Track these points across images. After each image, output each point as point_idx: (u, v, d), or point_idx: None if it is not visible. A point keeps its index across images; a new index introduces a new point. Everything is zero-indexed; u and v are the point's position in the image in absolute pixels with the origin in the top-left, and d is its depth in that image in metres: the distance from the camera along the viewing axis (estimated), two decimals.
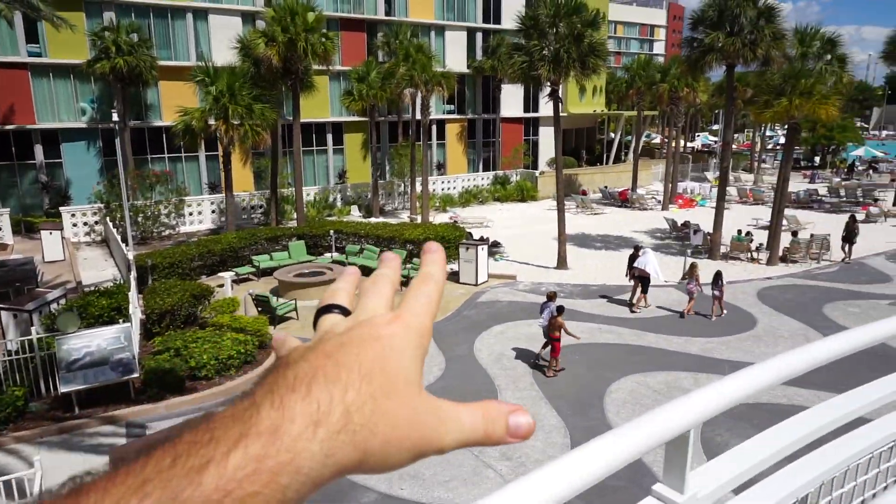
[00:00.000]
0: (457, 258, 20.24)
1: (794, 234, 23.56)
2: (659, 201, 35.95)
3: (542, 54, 19.05)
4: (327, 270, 19.81)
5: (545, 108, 48.51)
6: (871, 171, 49.14)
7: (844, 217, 31.92)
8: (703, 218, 30.47)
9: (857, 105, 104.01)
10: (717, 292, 16.34)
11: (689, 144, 62.62)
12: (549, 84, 19.89)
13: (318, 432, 0.41)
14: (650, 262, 17.35)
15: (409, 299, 0.52)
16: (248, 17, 33.61)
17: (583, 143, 55.98)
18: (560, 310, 13.31)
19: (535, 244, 26.07)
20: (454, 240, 21.85)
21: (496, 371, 13.35)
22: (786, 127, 22.43)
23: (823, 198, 36.08)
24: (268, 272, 21.06)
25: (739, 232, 23.85)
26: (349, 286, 0.59)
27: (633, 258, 17.97)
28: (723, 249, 23.78)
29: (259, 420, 0.41)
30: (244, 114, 21.71)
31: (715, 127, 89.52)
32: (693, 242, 24.63)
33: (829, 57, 21.72)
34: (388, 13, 39.47)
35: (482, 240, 24.55)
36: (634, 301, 17.47)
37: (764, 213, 30.62)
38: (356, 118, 35.86)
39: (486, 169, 44.33)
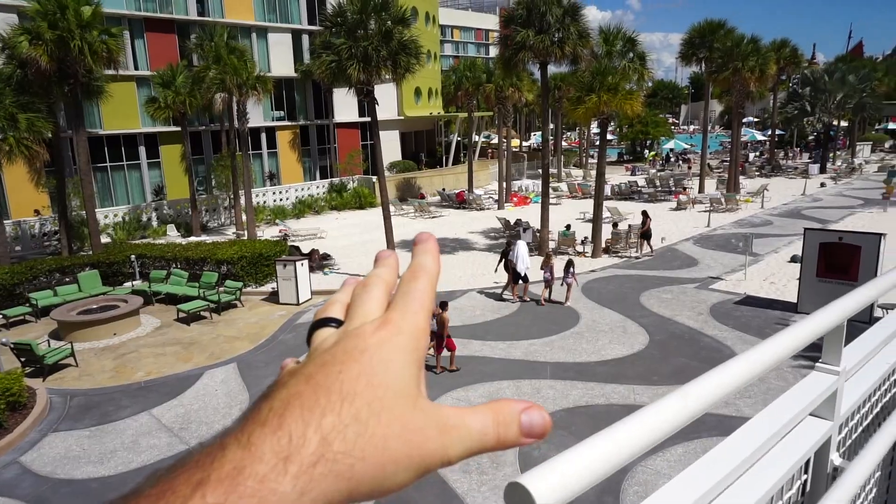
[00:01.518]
0: (275, 277, 18.47)
1: (615, 225, 24.49)
2: (496, 201, 36.44)
3: (351, 53, 17.87)
4: (121, 303, 17.13)
5: (382, 112, 47.57)
6: (680, 162, 53.98)
7: (662, 206, 34.48)
8: (537, 215, 31.14)
9: (669, 103, 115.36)
10: (569, 280, 17.19)
11: (524, 143, 65.06)
12: (361, 84, 18.76)
13: (289, 469, 0.37)
14: (519, 254, 17.65)
15: (398, 299, 0.48)
16: (26, 14, 29.07)
17: (423, 146, 55.93)
18: (443, 305, 13.00)
19: (371, 253, 24.86)
20: (273, 256, 20.04)
21: None
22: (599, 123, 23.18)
23: (642, 189, 38.66)
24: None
25: (568, 227, 24.37)
26: (346, 296, 0.52)
27: (505, 253, 18.33)
28: (552, 245, 24.18)
29: (222, 463, 0.37)
30: (5, 125, 18.26)
31: (549, 126, 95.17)
32: (524, 240, 24.82)
33: (631, 55, 22.76)
34: (200, 13, 36.37)
35: (311, 253, 22.95)
36: (513, 293, 17.90)
37: (592, 207, 31.95)
38: (175, 128, 32.45)
39: (323, 177, 42.52)
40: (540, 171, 52.16)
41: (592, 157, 61.85)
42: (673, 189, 37.82)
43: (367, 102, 19.70)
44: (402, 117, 48.71)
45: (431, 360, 13.05)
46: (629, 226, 24.32)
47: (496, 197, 36.80)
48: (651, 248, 22.99)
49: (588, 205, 34.35)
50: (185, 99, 26.80)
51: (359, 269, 22.60)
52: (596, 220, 23.16)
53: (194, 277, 19.61)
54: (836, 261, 15.36)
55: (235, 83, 25.35)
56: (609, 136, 76.89)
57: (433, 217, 33.63)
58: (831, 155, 49.81)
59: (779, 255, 21.97)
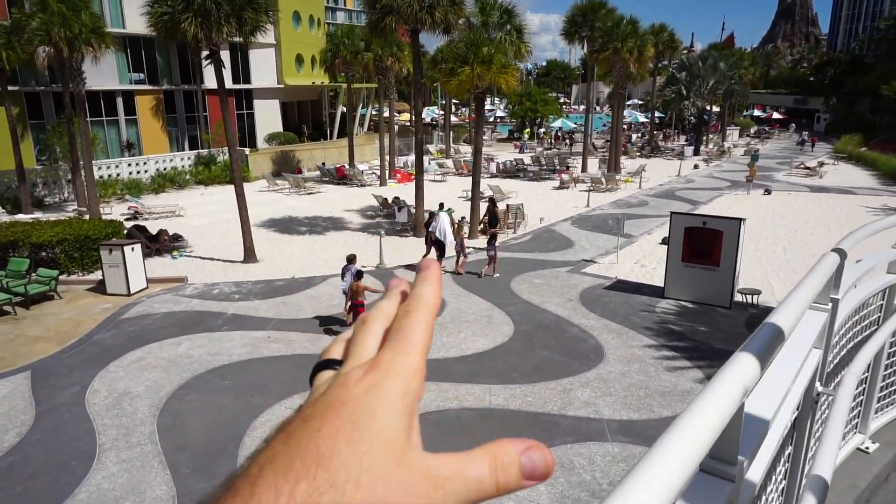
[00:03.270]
0: (100, 264, 15.91)
1: (429, 216, 23.27)
2: (379, 177, 34.77)
3: (187, 4, 15.42)
4: None
5: (260, 79, 44.33)
6: (567, 141, 54.65)
7: (546, 184, 34.25)
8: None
9: (561, 83, 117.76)
10: (491, 252, 16.86)
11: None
12: (200, 43, 16.34)
13: None
14: (441, 227, 17.26)
15: (391, 336, 0.45)
16: None
17: (307, 117, 52.96)
18: (359, 275, 13.04)
19: (233, 234, 22.47)
20: (104, 238, 17.37)
21: (108, 421, 9.88)
22: (474, 97, 22.00)
23: (528, 167, 38.38)
24: None
25: (441, 206, 23.15)
26: (349, 333, 0.49)
27: (427, 223, 17.97)
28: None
29: None
30: None
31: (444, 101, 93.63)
32: (398, 220, 23.48)
33: (508, 27, 21.74)
34: None
35: (159, 234, 20.35)
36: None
37: (482, 184, 31.05)
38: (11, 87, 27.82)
39: (193, 147, 38.87)
40: (427, 146, 50.92)
41: (484, 133, 61.31)
42: (557, 168, 37.83)
43: (213, 63, 17.26)
44: (283, 86, 45.59)
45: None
46: (507, 205, 23.52)
47: (379, 172, 35.15)
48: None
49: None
50: (1, 52, 22.84)
51: (214, 252, 20.31)
52: (473, 200, 22.18)
53: (4, 265, 16.58)
54: (700, 246, 15.17)
55: (63, 36, 21.78)
56: (500, 113, 77.11)
57: (310, 193, 31.47)
58: (705, 138, 52.23)
59: (651, 237, 22.02)
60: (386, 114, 37.11)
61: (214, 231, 23.20)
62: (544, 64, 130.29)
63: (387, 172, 34.42)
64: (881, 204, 28.37)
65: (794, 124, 69.91)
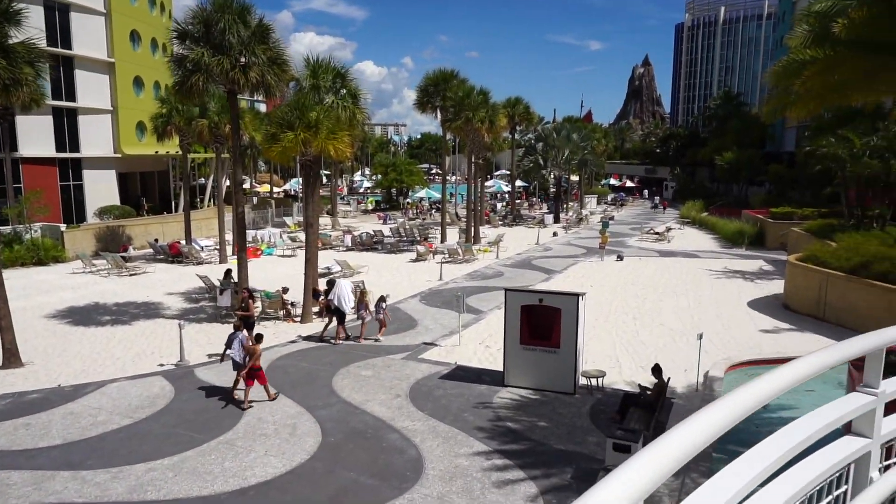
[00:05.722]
0: None
1: (330, 284, 21.12)
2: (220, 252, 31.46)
3: None
4: None
5: (94, 148, 39.98)
6: (433, 211, 54.16)
7: (404, 257, 32.64)
8: (263, 270, 27.01)
9: (434, 154, 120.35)
10: (379, 316, 17.41)
11: (276, 189, 60.71)
12: None
13: None
14: (340, 293, 17.12)
15: None
16: None
17: (153, 189, 48.73)
18: (259, 338, 12.85)
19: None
20: None
21: None
22: (305, 165, 20.03)
23: (387, 238, 36.73)
24: None
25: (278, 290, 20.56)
26: None
27: (326, 292, 17.72)
28: (260, 306, 20.23)
29: None
30: None
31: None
32: (221, 304, 20.49)
33: (343, 92, 20.28)
34: None
35: None
36: (335, 336, 17.15)
37: (330, 259, 28.82)
38: None
39: (4, 224, 33.50)
40: (284, 218, 48.13)
41: (348, 203, 59.63)
42: (417, 239, 36.51)
43: None
44: (119, 154, 41.49)
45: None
46: (355, 286, 21.28)
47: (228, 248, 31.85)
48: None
49: (327, 256, 31.06)
50: None
51: None
52: (306, 279, 19.79)
53: None
54: (539, 326, 13.75)
55: None
56: (368, 184, 76.17)
57: (132, 275, 27.53)
58: (565, 206, 53.79)
59: (501, 312, 20.58)
60: (221, 184, 34.22)
61: None
62: (419, 136, 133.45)
63: (228, 248, 31.24)
64: (722, 266, 29.38)
65: (646, 191, 74.85)
